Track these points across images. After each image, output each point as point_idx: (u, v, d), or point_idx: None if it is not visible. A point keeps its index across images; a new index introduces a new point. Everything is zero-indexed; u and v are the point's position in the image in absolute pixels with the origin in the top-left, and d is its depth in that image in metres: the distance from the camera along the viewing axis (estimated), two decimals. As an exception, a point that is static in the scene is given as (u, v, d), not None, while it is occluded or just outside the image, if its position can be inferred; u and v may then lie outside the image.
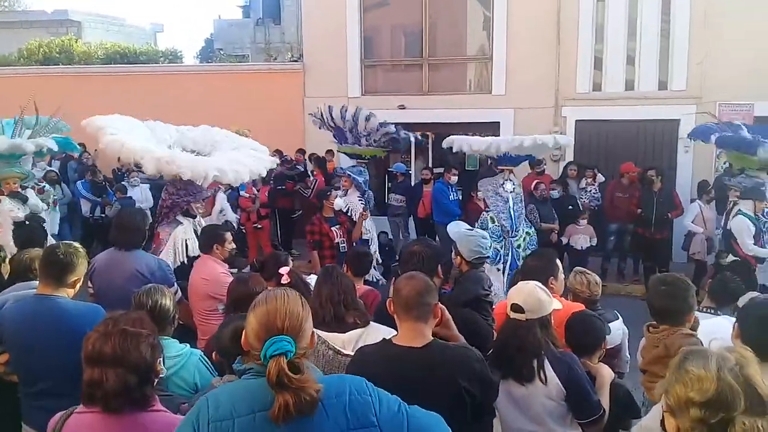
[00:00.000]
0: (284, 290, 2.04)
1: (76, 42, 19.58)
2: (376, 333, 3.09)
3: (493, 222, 7.79)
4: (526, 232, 8.04)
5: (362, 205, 8.21)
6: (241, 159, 6.43)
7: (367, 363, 2.65)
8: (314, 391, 1.83)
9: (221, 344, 2.92)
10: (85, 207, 11.05)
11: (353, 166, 8.81)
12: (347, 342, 3.12)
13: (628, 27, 11.71)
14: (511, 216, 7.81)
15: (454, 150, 8.44)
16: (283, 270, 4.06)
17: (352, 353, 2.91)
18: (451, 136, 8.55)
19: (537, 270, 3.71)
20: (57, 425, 2.35)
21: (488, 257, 4.25)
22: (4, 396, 3.71)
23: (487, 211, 8.02)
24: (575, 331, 3.30)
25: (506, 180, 7.97)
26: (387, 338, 2.76)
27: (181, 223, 6.08)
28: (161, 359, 2.42)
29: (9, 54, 19.31)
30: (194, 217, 6.20)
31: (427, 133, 12.56)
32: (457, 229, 4.27)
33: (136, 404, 2.27)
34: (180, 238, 5.90)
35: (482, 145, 8.12)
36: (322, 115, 8.83)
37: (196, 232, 5.99)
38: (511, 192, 7.92)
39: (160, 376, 2.45)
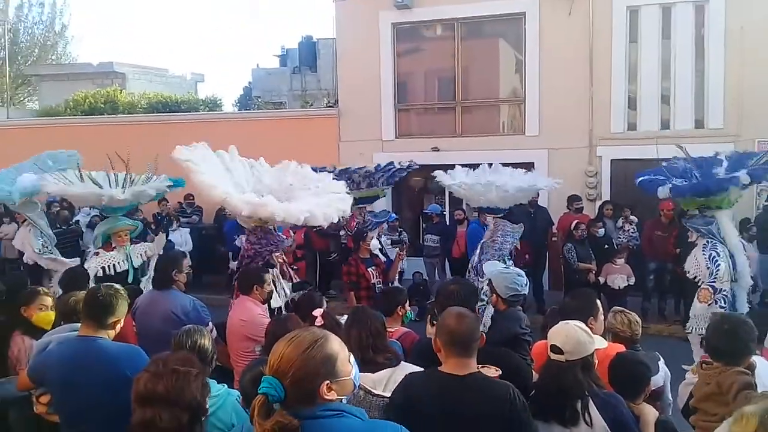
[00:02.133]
0: (301, 333, 2.00)
1: (120, 92, 20.28)
2: (406, 372, 3.08)
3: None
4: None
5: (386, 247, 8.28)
6: (326, 201, 6.32)
7: (412, 386, 2.79)
8: None
9: (242, 388, 2.94)
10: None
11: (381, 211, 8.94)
12: (377, 382, 3.11)
13: (661, 66, 11.68)
14: (504, 260, 7.84)
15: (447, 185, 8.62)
16: (317, 312, 4.07)
17: (384, 393, 2.90)
18: (438, 171, 8.73)
19: (576, 309, 3.64)
20: None
21: (524, 294, 4.20)
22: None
23: None
24: (619, 372, 3.22)
25: (496, 227, 8.17)
26: (434, 368, 2.85)
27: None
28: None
29: (57, 105, 20.09)
30: (274, 267, 6.13)
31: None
32: (492, 268, 4.25)
33: None
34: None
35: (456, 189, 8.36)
36: None
37: (274, 283, 5.95)
38: (502, 238, 8.08)
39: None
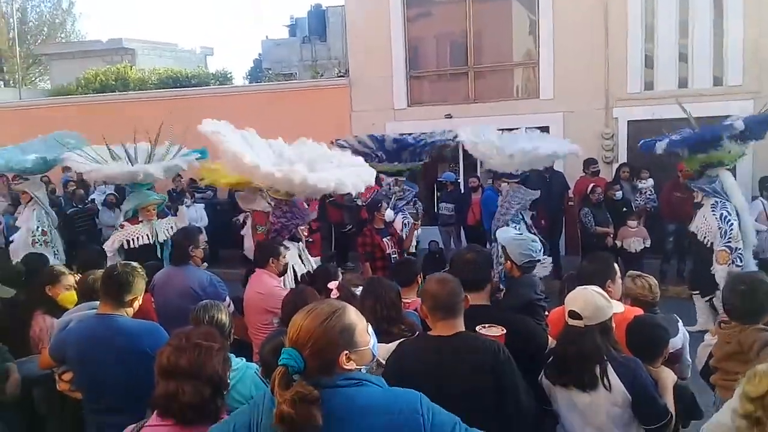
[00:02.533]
0: (319, 305, 2.02)
1: (130, 69, 20.27)
2: None
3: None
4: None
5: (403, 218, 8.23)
6: (352, 172, 6.34)
7: (403, 351, 2.89)
8: (289, 411, 1.79)
9: (262, 359, 2.96)
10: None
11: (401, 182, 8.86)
12: (389, 352, 3.10)
13: (679, 23, 11.39)
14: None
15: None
16: (332, 284, 4.08)
17: None
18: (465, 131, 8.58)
19: (593, 274, 3.60)
20: None
21: (538, 260, 4.17)
22: (70, 413, 3.84)
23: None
24: (637, 335, 3.19)
25: (509, 192, 8.19)
26: (424, 332, 2.97)
27: (288, 248, 5.91)
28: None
29: (68, 84, 20.14)
30: (299, 240, 6.14)
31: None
32: (506, 234, 4.22)
33: (208, 416, 2.31)
34: (289, 263, 5.73)
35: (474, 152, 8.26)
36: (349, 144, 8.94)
37: (300, 256, 6.02)
38: (516, 205, 8.08)
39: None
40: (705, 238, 7.34)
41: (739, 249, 7.16)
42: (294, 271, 5.76)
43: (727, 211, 7.26)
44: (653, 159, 11.02)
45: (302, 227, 6.17)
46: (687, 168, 8.07)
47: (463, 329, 2.83)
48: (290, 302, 3.84)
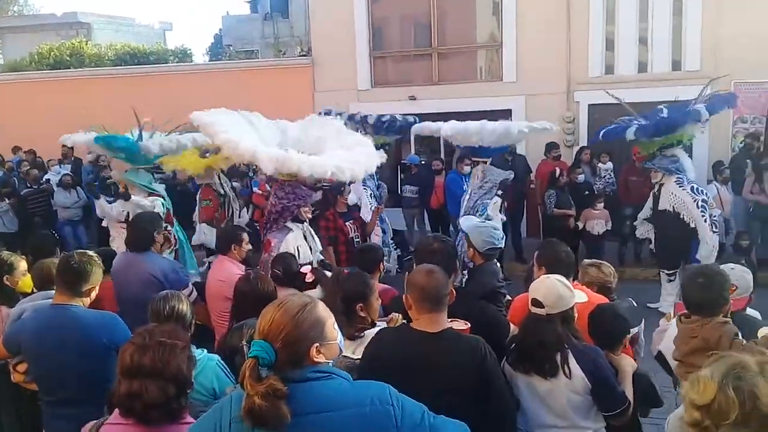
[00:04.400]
0: (290, 299, 2.03)
1: (86, 44, 19.68)
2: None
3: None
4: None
5: (371, 200, 8.20)
6: (354, 156, 6.18)
7: (383, 345, 2.81)
8: (261, 404, 1.81)
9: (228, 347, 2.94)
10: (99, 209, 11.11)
11: None
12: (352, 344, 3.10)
13: (639, 6, 11.53)
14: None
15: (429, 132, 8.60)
16: (305, 269, 4.05)
17: (353, 356, 2.93)
18: (422, 124, 8.55)
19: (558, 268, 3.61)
20: None
21: (500, 248, 4.20)
22: (25, 404, 3.76)
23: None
24: (598, 325, 3.25)
25: (479, 171, 8.10)
26: (405, 322, 2.89)
27: (291, 229, 5.93)
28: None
29: (22, 58, 19.46)
30: (303, 222, 6.04)
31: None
32: (469, 222, 4.23)
33: (171, 416, 2.28)
34: (292, 245, 5.73)
35: (449, 132, 8.11)
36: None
37: (305, 237, 5.93)
38: (483, 186, 7.99)
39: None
40: (682, 213, 7.53)
41: (714, 216, 7.48)
42: (299, 251, 5.67)
43: (696, 184, 7.54)
44: (613, 142, 11.24)
45: (305, 208, 6.05)
46: (643, 151, 8.22)
47: (447, 326, 2.79)
48: (241, 290, 3.81)
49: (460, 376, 2.68)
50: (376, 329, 3.18)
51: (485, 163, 8.29)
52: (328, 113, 9.03)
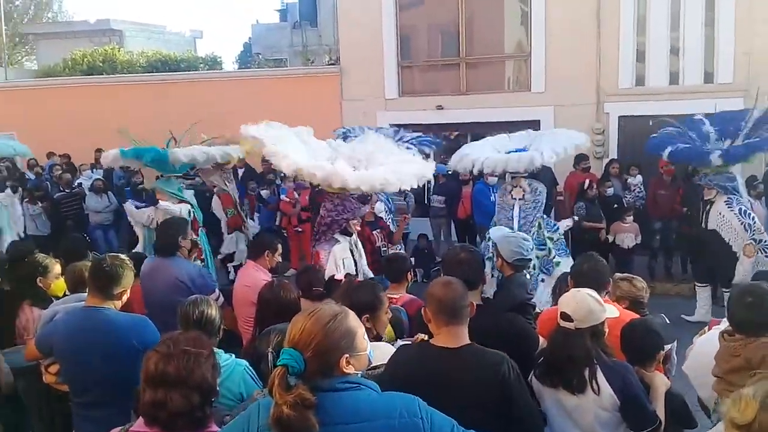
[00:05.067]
0: (321, 308, 2.03)
1: (118, 51, 20.04)
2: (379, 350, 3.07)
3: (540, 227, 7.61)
4: (548, 237, 7.75)
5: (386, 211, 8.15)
6: (405, 168, 6.21)
7: (403, 362, 2.76)
8: (290, 413, 1.79)
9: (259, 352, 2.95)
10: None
11: None
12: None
13: (671, 17, 11.39)
14: (512, 225, 7.62)
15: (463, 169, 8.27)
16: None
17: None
18: (462, 153, 8.19)
19: (589, 279, 3.57)
20: None
21: (529, 259, 4.16)
22: (56, 405, 3.81)
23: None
24: (630, 340, 3.20)
25: (514, 187, 7.74)
26: (426, 340, 2.84)
27: (339, 241, 5.99)
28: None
29: (55, 64, 19.87)
30: (351, 235, 6.09)
31: (467, 133, 12.46)
32: (498, 233, 4.22)
33: (196, 424, 2.27)
34: (339, 257, 5.78)
35: (492, 166, 7.69)
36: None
37: (351, 251, 5.98)
38: (518, 199, 7.71)
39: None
40: (727, 236, 7.44)
41: (764, 240, 7.33)
42: (345, 264, 5.74)
43: (744, 206, 7.45)
44: (643, 154, 11.10)
45: (354, 221, 6.08)
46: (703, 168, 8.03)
47: (469, 341, 2.73)
48: (264, 298, 3.84)
49: (482, 392, 2.63)
50: (383, 344, 3.17)
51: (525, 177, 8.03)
52: (346, 135, 8.98)
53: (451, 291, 2.72)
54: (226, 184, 8.86)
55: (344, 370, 1.94)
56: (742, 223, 7.35)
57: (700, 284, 8.07)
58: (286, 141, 6.18)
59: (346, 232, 6.03)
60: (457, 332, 2.70)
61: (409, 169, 6.18)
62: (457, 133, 12.76)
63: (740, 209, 7.44)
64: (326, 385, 1.90)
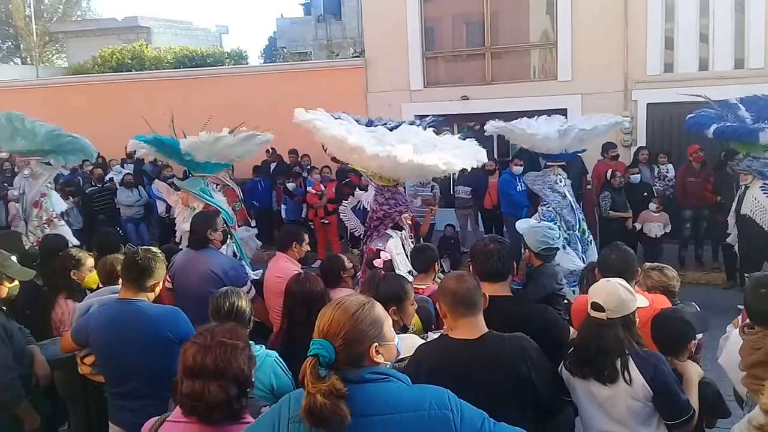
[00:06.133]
0: (347, 298, 2.03)
1: (146, 47, 20.28)
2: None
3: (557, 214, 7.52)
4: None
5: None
6: (459, 153, 6.03)
7: (425, 358, 2.74)
8: (321, 403, 1.79)
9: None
10: (160, 207, 11.41)
11: None
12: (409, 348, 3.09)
13: (700, 2, 11.17)
14: (573, 209, 7.55)
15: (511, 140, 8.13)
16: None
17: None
18: (496, 122, 7.97)
19: (617, 269, 3.54)
20: None
21: (557, 248, 4.13)
22: (93, 395, 3.89)
23: (544, 205, 7.65)
24: (661, 330, 3.16)
25: (557, 175, 7.62)
26: (443, 333, 2.84)
27: (392, 236, 5.87)
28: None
29: (85, 62, 20.18)
30: (402, 229, 5.97)
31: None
32: (524, 224, 4.20)
33: (232, 416, 2.30)
34: (394, 254, 5.58)
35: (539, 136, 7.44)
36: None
37: (403, 245, 5.82)
38: (566, 186, 7.62)
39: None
40: (761, 220, 7.36)
41: None
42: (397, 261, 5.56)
43: None
44: (672, 142, 10.94)
45: (405, 215, 5.99)
46: (742, 150, 7.89)
47: (487, 329, 2.74)
48: (291, 291, 3.82)
49: (509, 376, 2.65)
50: (409, 336, 3.17)
51: (560, 165, 7.81)
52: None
53: (464, 283, 2.74)
54: (229, 180, 8.81)
55: (374, 359, 1.94)
56: None
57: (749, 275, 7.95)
58: (337, 125, 6.00)
59: (398, 227, 5.92)
60: (475, 323, 2.72)
61: (464, 151, 6.00)
62: (480, 124, 12.69)
63: None
64: (356, 376, 1.90)
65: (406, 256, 5.75)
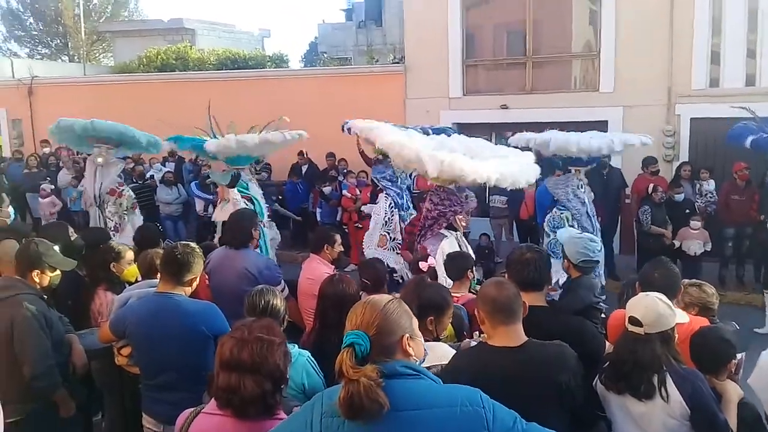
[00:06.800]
0: (373, 297, 2.07)
1: (190, 49, 20.64)
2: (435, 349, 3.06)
3: (568, 221, 7.41)
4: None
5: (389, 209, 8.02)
6: (512, 165, 6.01)
7: (464, 365, 2.74)
8: (366, 386, 1.79)
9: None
10: (198, 206, 11.59)
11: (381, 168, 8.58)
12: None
13: (748, 17, 10.92)
14: (590, 217, 7.44)
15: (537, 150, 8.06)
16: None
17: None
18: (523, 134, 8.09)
19: (660, 286, 3.45)
20: (185, 424, 2.41)
21: (597, 261, 4.06)
22: (127, 386, 3.96)
23: (560, 209, 7.54)
24: (701, 348, 3.09)
25: (580, 180, 7.52)
26: (482, 341, 2.84)
27: (446, 236, 5.87)
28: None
29: (130, 61, 20.63)
30: (456, 230, 5.97)
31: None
32: (566, 234, 4.15)
33: (266, 411, 2.32)
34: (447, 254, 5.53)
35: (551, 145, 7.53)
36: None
37: (459, 246, 5.79)
38: (586, 193, 7.52)
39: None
40: None
41: None
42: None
43: None
44: (716, 158, 10.70)
45: (461, 216, 5.97)
46: None
47: (527, 338, 2.72)
48: (326, 289, 3.87)
49: (550, 384, 2.63)
50: (439, 344, 3.15)
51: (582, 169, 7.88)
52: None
53: (505, 290, 2.73)
54: (252, 178, 8.89)
55: (407, 350, 1.96)
56: None
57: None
58: (394, 131, 6.08)
59: (452, 227, 5.91)
60: (515, 330, 2.71)
61: (515, 166, 5.95)
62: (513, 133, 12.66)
63: None
64: (390, 370, 1.90)
65: None
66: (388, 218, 8.21)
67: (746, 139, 7.48)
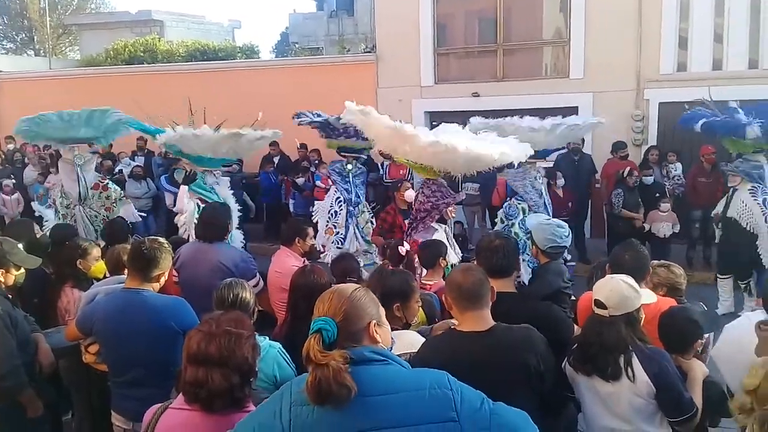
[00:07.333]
0: (340, 285, 2.10)
1: (159, 41, 20.34)
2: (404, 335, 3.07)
3: (524, 213, 7.44)
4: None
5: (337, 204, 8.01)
6: (510, 143, 5.82)
7: (434, 352, 2.74)
8: (335, 369, 1.79)
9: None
10: (168, 200, 11.44)
11: (337, 162, 8.46)
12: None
13: (715, 2, 11.07)
14: (546, 208, 7.47)
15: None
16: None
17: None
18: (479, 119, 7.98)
19: (628, 269, 3.49)
20: (152, 419, 2.39)
21: (564, 246, 4.10)
22: (96, 384, 3.91)
23: (518, 200, 7.58)
24: (668, 328, 3.15)
25: (537, 172, 7.57)
26: (452, 327, 2.86)
27: (437, 229, 5.84)
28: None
29: (98, 54, 20.27)
30: (445, 222, 5.95)
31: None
32: (534, 220, 4.19)
33: (235, 404, 2.31)
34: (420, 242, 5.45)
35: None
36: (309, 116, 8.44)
37: (448, 239, 5.74)
38: (543, 185, 7.57)
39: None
40: (747, 223, 7.26)
41: None
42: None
43: None
44: (683, 142, 10.84)
45: (451, 208, 5.96)
46: (732, 149, 7.79)
47: (494, 322, 2.74)
48: (297, 280, 3.80)
49: (518, 367, 2.67)
50: (407, 332, 3.16)
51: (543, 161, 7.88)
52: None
53: (470, 276, 2.75)
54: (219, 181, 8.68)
55: (374, 336, 1.97)
56: (763, 214, 7.13)
57: (721, 276, 7.88)
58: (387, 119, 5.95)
59: (442, 220, 5.90)
60: (482, 315, 2.73)
61: (514, 146, 5.77)
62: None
63: (764, 199, 7.20)
64: (357, 355, 1.90)
65: (451, 249, 5.67)
66: (335, 211, 8.22)
67: (697, 123, 7.58)
